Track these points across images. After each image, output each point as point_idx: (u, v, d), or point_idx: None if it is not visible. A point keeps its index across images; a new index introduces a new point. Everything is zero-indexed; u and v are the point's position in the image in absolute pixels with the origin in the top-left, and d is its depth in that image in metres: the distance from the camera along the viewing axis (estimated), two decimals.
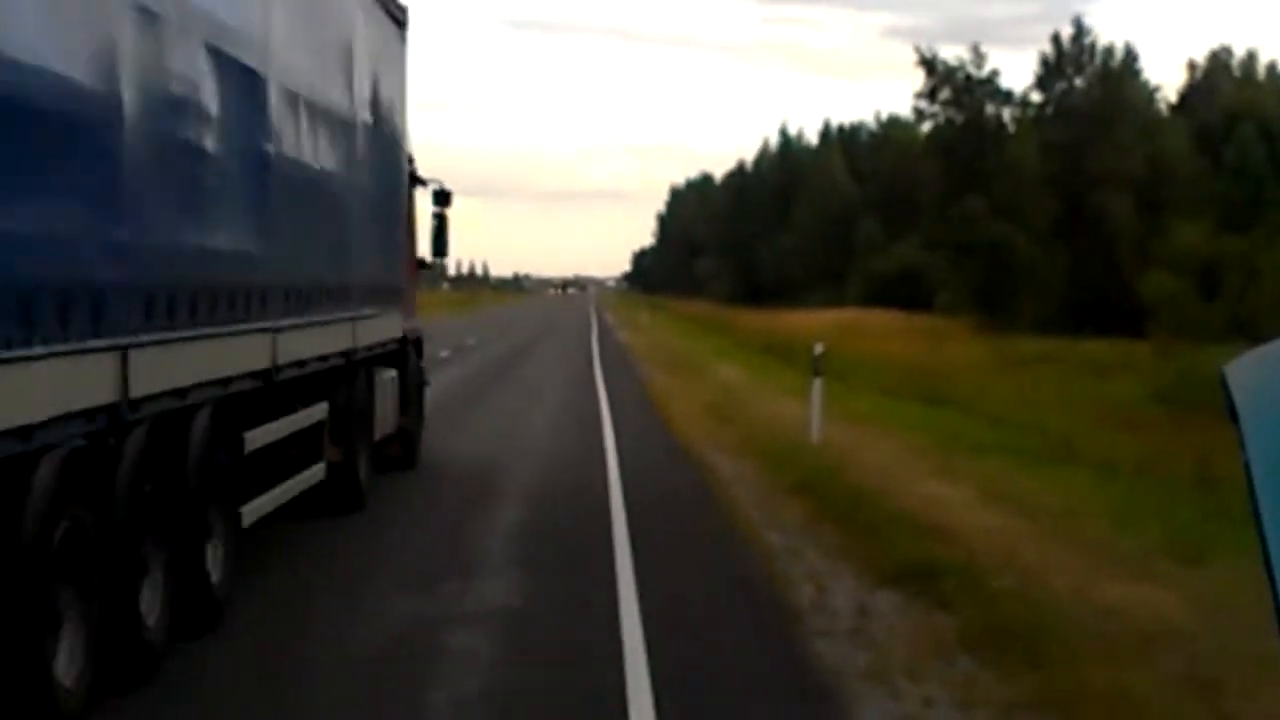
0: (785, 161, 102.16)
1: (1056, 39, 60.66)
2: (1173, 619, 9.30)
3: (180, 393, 8.73)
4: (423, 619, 9.76)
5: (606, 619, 9.55)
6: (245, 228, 10.81)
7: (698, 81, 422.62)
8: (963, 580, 10.19)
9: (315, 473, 12.48)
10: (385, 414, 16.27)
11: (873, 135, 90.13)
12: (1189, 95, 62.70)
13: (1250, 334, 31.69)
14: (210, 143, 9.79)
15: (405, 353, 17.98)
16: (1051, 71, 59.99)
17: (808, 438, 18.72)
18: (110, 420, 7.64)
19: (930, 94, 62.19)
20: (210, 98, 9.69)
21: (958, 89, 61.39)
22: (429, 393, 19.93)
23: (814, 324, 40.60)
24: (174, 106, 8.98)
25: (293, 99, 12.01)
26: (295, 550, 12.01)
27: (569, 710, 8.05)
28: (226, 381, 9.77)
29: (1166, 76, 66.14)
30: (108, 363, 7.58)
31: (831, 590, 10.59)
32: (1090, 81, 59.12)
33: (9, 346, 6.38)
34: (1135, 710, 7.20)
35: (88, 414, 7.37)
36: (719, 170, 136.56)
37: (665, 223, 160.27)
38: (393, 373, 16.94)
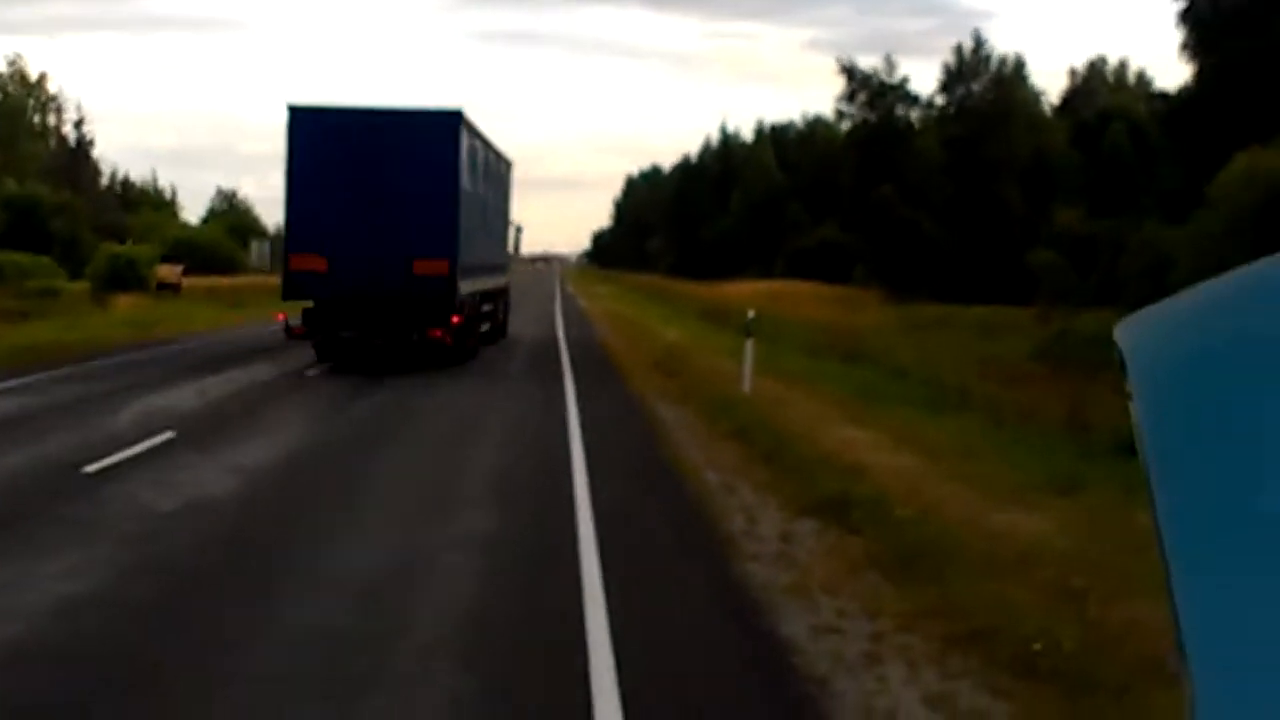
0: (724, 155, 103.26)
1: (959, 49, 61.93)
2: (1048, 540, 9.63)
3: (474, 294, 27.69)
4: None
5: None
6: (481, 247, 29.05)
7: (649, 87, 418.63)
8: (872, 510, 10.44)
9: (459, 334, 25.59)
10: (503, 316, 35.26)
11: (799, 133, 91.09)
12: (1070, 98, 63.56)
13: (1117, 302, 32.30)
14: (478, 220, 28.54)
15: (506, 291, 36.30)
16: (953, 78, 60.85)
17: (740, 389, 18.99)
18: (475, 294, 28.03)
19: (849, 97, 63.46)
20: (477, 206, 28.44)
21: (872, 93, 62.41)
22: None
23: (746, 293, 40.80)
24: (477, 207, 28.59)
25: (486, 204, 30.43)
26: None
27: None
28: (475, 292, 27.99)
29: (1051, 82, 67.05)
30: (467, 285, 26.25)
31: (760, 519, 10.87)
32: (986, 86, 59.94)
33: (474, 276, 27.53)
34: (1015, 616, 7.39)
35: (472, 294, 27.76)
36: (667, 162, 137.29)
37: (620, 207, 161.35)
38: (505, 298, 35.98)
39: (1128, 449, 11.41)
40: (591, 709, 6.28)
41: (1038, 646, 6.77)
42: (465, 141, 25.46)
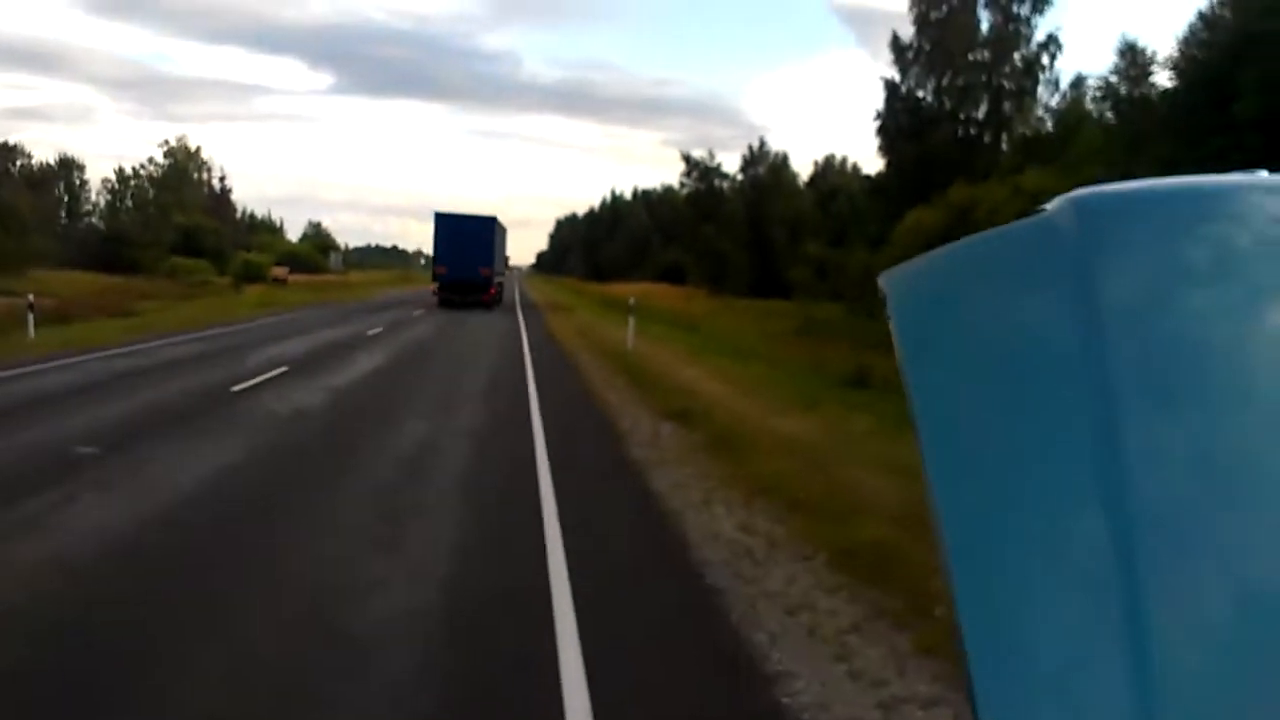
0: (614, 207, 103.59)
1: (750, 147, 62.54)
2: (802, 435, 9.83)
3: (496, 283, 35.96)
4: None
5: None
6: (498, 263, 37.05)
7: (569, 165, 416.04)
8: (703, 417, 10.53)
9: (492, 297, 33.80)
10: (502, 291, 38.06)
11: (658, 194, 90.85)
12: (814, 178, 64.16)
13: (842, 299, 33.22)
14: (497, 252, 37.97)
15: (503, 284, 40.87)
16: (747, 163, 61.00)
17: (625, 347, 19.03)
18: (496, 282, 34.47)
19: (687, 174, 63.39)
20: (497, 247, 37.91)
21: (701, 171, 62.39)
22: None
23: (627, 290, 40.48)
24: (497, 247, 38.52)
25: (498, 245, 37.19)
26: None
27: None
28: (496, 282, 36.55)
29: (804, 168, 68.24)
30: (495, 278, 36.73)
31: (639, 421, 10.94)
32: (766, 169, 60.32)
33: (496, 275, 36.83)
34: (787, 478, 7.58)
35: (496, 282, 37.70)
36: (580, 211, 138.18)
37: (553, 237, 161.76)
38: (503, 285, 39.88)
39: (849, 383, 11.56)
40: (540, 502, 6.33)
41: (801, 495, 6.93)
42: (495, 226, 37.46)
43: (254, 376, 13.64)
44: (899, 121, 35.49)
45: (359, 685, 3.91)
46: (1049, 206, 0.69)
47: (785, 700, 3.98)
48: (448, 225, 35.56)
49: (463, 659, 4.27)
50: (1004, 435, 0.63)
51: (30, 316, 18.70)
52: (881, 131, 36.43)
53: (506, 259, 50.48)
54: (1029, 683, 0.54)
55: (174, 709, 3.68)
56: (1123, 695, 0.51)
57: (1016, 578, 0.58)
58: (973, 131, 34.88)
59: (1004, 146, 34.38)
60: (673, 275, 59.77)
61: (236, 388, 12.52)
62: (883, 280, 0.77)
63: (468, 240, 34.62)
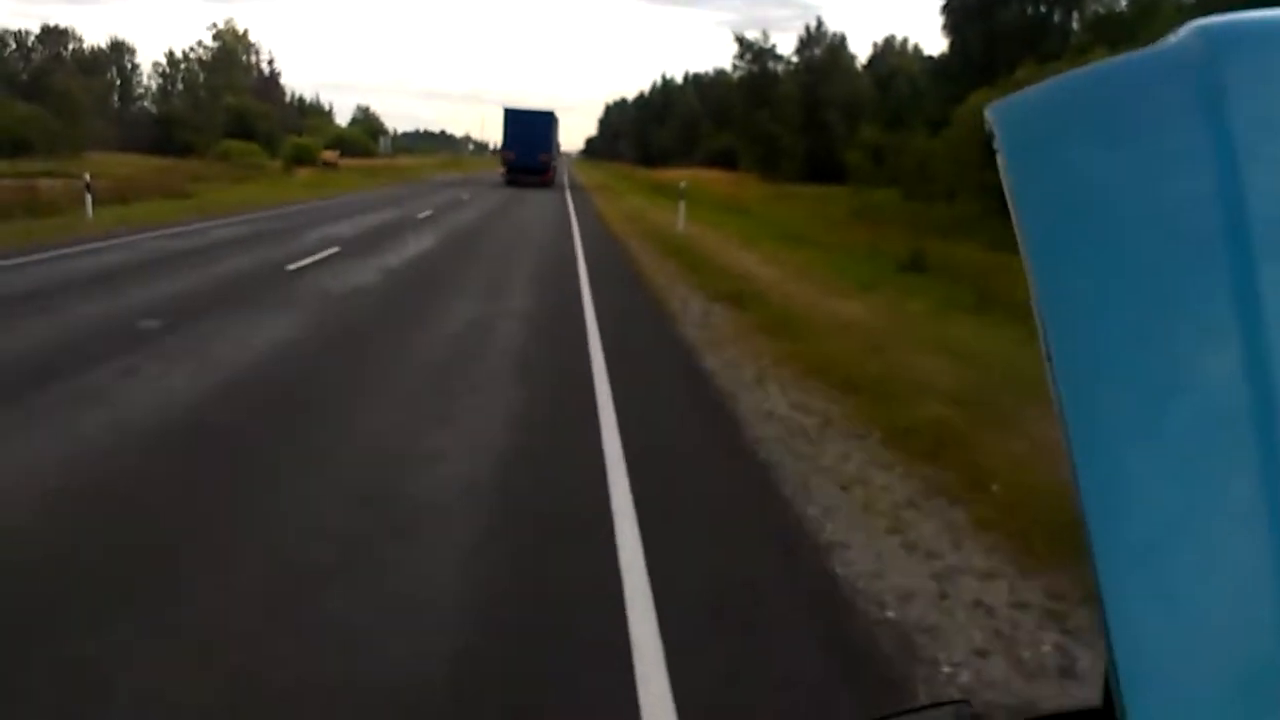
0: (665, 91, 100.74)
1: (807, 28, 60.57)
2: (859, 317, 9.71)
3: (554, 166, 42.79)
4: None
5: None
6: (555, 150, 44.44)
7: (621, 49, 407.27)
8: (756, 299, 10.48)
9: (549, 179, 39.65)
10: (558, 173, 43.18)
11: (710, 79, 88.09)
12: (873, 60, 61.67)
13: (897, 184, 32.40)
14: (554, 141, 44.38)
15: (560, 167, 46.51)
16: (803, 45, 58.86)
17: (676, 231, 18.82)
18: (553, 166, 43.85)
19: (740, 56, 61.33)
20: (554, 137, 43.70)
21: (755, 54, 60.30)
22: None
23: (678, 175, 39.70)
24: (554, 137, 44.31)
25: (554, 136, 43.07)
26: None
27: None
28: (554, 165, 43.08)
29: (861, 49, 65.66)
30: (552, 162, 44.06)
31: (689, 303, 10.86)
32: (823, 51, 58.14)
33: (553, 160, 44.09)
34: (842, 358, 7.51)
35: (554, 166, 44.11)
36: (631, 95, 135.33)
37: (603, 123, 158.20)
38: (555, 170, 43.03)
39: (904, 268, 11.36)
40: (597, 407, 6.33)
41: (855, 376, 6.86)
42: (552, 119, 42.73)
43: (308, 256, 13.75)
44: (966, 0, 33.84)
45: (402, 547, 3.99)
46: (1174, 36, 0.65)
47: (840, 570, 4.00)
48: (515, 119, 41.55)
49: (523, 549, 4.34)
50: (1126, 280, 0.58)
51: (88, 197, 18.93)
52: (946, 10, 34.81)
53: (558, 145, 53.03)
54: (1155, 547, 0.50)
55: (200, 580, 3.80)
56: (1265, 564, 0.47)
57: (1142, 439, 0.54)
58: (1043, 9, 33.15)
59: (1075, 25, 32.68)
60: (724, 161, 58.55)
61: (291, 266, 12.63)
62: (990, 112, 0.71)
63: (530, 131, 41.11)
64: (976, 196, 23.69)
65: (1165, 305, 0.56)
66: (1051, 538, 4.13)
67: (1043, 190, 0.65)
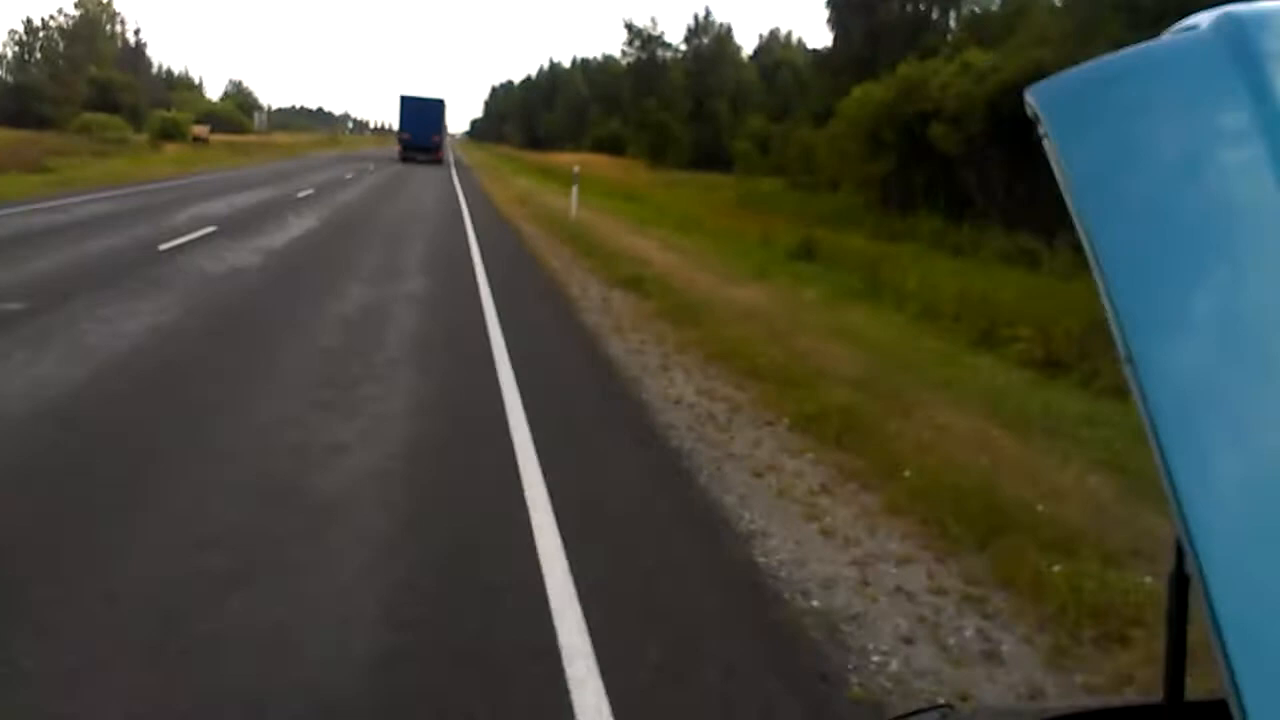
0: (552, 76, 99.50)
1: (695, 18, 60.93)
2: (756, 304, 9.75)
3: (441, 145, 48.45)
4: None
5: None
6: (442, 132, 48.99)
7: (507, 30, 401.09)
8: (655, 285, 10.36)
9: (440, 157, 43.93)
10: (443, 153, 46.96)
11: (598, 64, 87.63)
12: (759, 51, 62.53)
13: (782, 174, 32.97)
14: (442, 124, 49.06)
15: (445, 148, 49.80)
16: (691, 34, 59.28)
17: (569, 216, 18.57)
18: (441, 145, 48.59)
19: (629, 43, 61.33)
20: (441, 120, 48.79)
21: (643, 41, 60.38)
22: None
23: (567, 160, 39.50)
24: (441, 120, 49.35)
25: (442, 118, 48.06)
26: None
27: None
28: (441, 145, 48.84)
29: (748, 41, 66.43)
30: (441, 142, 50.22)
31: (589, 289, 10.70)
32: (710, 41, 58.62)
33: (442, 140, 49.56)
34: (745, 345, 7.50)
35: (441, 145, 48.69)
36: (517, 79, 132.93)
37: (488, 105, 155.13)
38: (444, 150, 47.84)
39: (795, 255, 11.46)
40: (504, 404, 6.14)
41: (759, 362, 6.85)
42: (442, 105, 47.49)
43: (181, 235, 13.01)
44: None
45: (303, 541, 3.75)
46: (1202, 21, 0.71)
47: (761, 559, 3.95)
48: (410, 105, 47.07)
49: (447, 530, 4.14)
50: (1188, 246, 0.64)
51: None
52: (831, 4, 35.51)
53: (446, 127, 57.33)
54: (1241, 507, 0.56)
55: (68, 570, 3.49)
56: None
57: (1214, 398, 0.59)
58: (922, 7, 34.19)
59: (952, 24, 33.82)
60: (612, 146, 58.44)
61: (164, 246, 11.92)
62: (1031, 94, 0.76)
63: (423, 115, 46.44)
64: (858, 188, 24.26)
65: (1219, 261, 0.63)
66: (962, 522, 4.18)
67: (1092, 161, 0.70)
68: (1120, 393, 5.54)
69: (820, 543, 4.13)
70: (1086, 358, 8.33)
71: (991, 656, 3.28)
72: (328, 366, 6.59)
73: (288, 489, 4.31)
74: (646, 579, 3.70)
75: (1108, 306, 0.64)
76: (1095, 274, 0.66)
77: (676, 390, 6.47)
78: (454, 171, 38.89)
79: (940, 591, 3.72)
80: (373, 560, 3.68)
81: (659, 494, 4.67)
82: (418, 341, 7.65)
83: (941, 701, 1.42)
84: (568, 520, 4.09)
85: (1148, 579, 3.54)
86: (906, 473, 4.64)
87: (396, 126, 49.68)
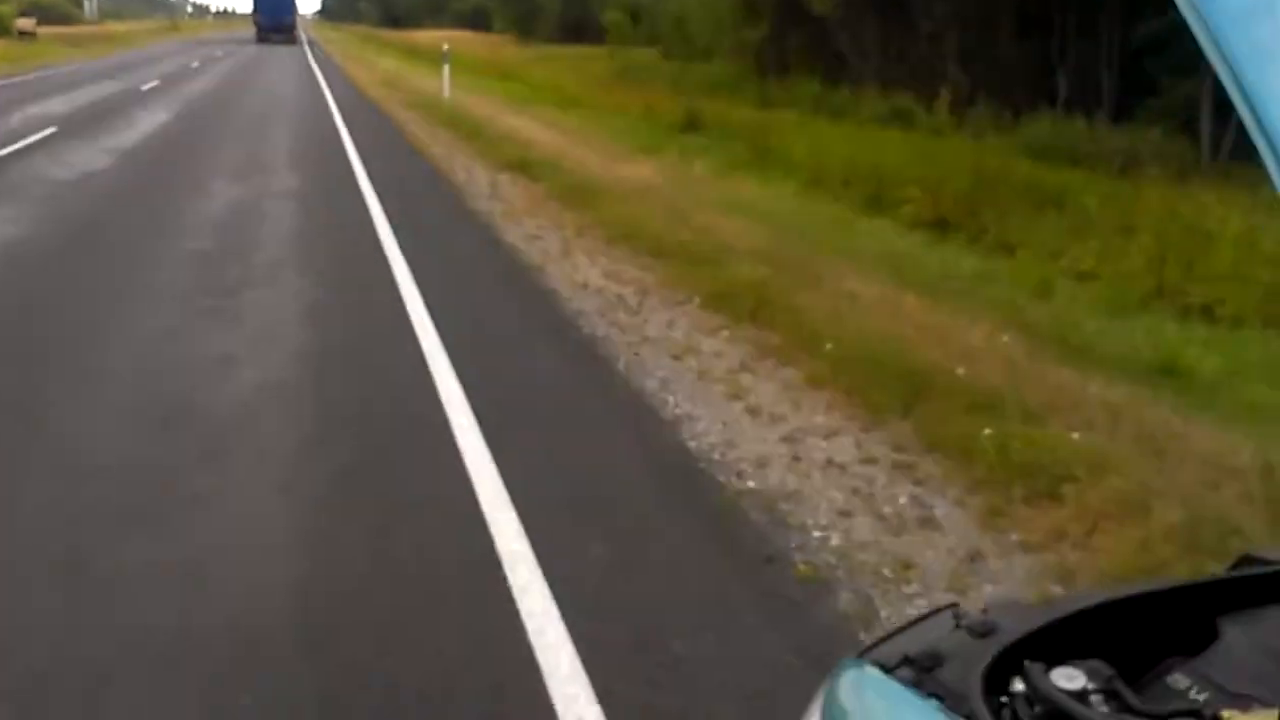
0: None
1: None
2: (650, 181, 9.48)
3: (294, 26, 50.99)
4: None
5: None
6: (294, 12, 49.57)
7: None
8: (544, 166, 9.97)
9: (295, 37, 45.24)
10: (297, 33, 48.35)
11: None
12: None
13: (657, 44, 32.03)
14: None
15: (297, 28, 51.42)
16: None
17: (442, 98, 17.61)
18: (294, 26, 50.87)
19: None
20: None
21: None
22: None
23: (432, 38, 37.40)
24: None
25: None
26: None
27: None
28: (295, 25, 50.25)
29: None
30: (293, 22, 52.45)
31: (474, 174, 10.20)
32: None
33: (296, 20, 50.55)
34: (645, 223, 7.28)
35: (294, 25, 50.67)
36: None
37: None
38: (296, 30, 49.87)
39: (681, 128, 11.17)
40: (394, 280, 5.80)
41: (663, 240, 6.67)
42: None
43: (20, 139, 11.80)
44: None
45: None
46: None
47: (692, 444, 3.86)
48: None
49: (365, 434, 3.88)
50: None
51: None
52: None
53: (297, 8, 58.06)
54: None
55: None
56: None
57: None
58: None
59: None
60: (476, 22, 55.65)
61: (1, 151, 10.79)
62: None
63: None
64: (733, 56, 23.76)
65: None
66: (884, 390, 4.17)
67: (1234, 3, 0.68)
68: (1007, 249, 5.60)
69: (748, 422, 4.07)
70: (973, 215, 8.46)
71: (928, 523, 3.29)
72: (204, 274, 6.10)
73: (179, 408, 3.97)
74: (580, 475, 3.56)
75: (1261, 145, 0.63)
76: (1243, 113, 0.65)
77: (582, 275, 6.25)
78: (310, 55, 36.30)
79: (870, 461, 3.72)
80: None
81: (581, 385, 4.52)
82: (301, 247, 7.14)
83: (948, 604, 1.29)
84: (489, 419, 3.90)
85: (1074, 435, 3.60)
86: (828, 345, 4.59)
87: (239, 10, 52.50)
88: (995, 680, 1.10)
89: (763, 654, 2.54)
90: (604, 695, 2.34)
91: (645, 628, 2.62)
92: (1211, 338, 5.46)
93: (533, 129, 13.54)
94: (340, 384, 4.37)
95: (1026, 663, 1.13)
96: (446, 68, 17.95)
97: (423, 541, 3.05)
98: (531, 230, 7.51)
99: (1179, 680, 1.08)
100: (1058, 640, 1.23)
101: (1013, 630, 1.30)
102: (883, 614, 2.77)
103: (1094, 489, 3.27)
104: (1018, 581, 2.94)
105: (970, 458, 3.60)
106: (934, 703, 1.12)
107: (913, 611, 2.79)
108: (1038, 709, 1.05)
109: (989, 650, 1.18)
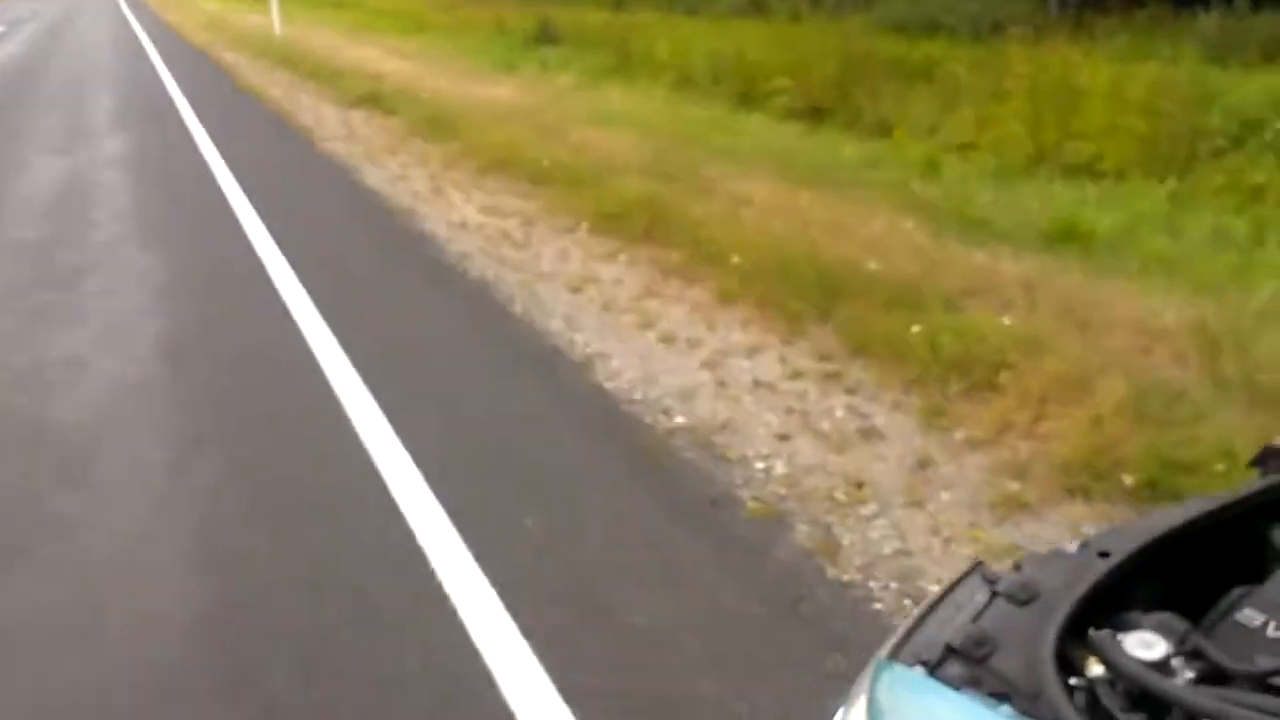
0: None
1: None
2: (513, 101, 8.94)
3: None
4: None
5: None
6: None
7: None
8: (397, 99, 9.25)
9: None
10: None
11: None
12: None
13: None
14: None
15: None
16: None
17: (273, 35, 16.28)
18: None
19: None
20: None
21: None
22: None
23: None
24: None
25: None
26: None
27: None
28: None
29: None
30: None
31: (323, 115, 9.39)
32: None
33: None
34: (516, 147, 6.80)
35: None
36: None
37: None
38: None
39: (536, 40, 10.54)
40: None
41: (545, 164, 6.24)
42: None
43: None
44: None
45: None
46: None
47: (609, 384, 3.57)
48: None
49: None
50: None
51: None
52: None
53: None
54: None
55: None
56: None
57: None
58: None
59: None
60: None
61: None
62: None
63: None
64: None
65: None
66: (799, 296, 3.95)
67: None
68: (884, 129, 5.37)
69: (664, 352, 3.80)
70: (846, 99, 8.27)
71: (870, 434, 3.11)
72: (31, 269, 5.41)
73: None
74: (492, 438, 3.24)
75: None
76: None
77: (458, 213, 5.80)
78: (124, 3, 33.15)
79: (798, 375, 3.51)
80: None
81: (478, 336, 4.15)
82: (142, 227, 6.36)
83: (973, 563, 1.05)
84: (386, 394, 3.51)
85: (1000, 319, 3.45)
86: (734, 258, 4.32)
87: None
88: (1061, 658, 0.93)
89: (729, 610, 2.31)
90: (568, 692, 2.07)
91: (595, 607, 2.36)
92: (1100, 195, 5.43)
93: (379, 59, 12.64)
94: (213, 388, 3.88)
95: (1093, 633, 0.95)
96: (274, 1, 16.59)
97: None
98: (395, 170, 6.96)
99: (1251, 617, 0.96)
100: (1109, 592, 1.04)
101: (1058, 590, 1.09)
102: (845, 542, 2.58)
103: (1031, 373, 3.13)
104: (973, 485, 2.79)
105: (900, 357, 3.43)
106: (1006, 709, 0.92)
107: (875, 535, 2.61)
108: (1121, 688, 0.89)
109: (1044, 624, 0.99)
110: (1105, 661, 0.92)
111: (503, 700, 2.06)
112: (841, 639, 2.21)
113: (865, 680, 1.06)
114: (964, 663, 0.98)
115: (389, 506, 2.81)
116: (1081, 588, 1.03)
